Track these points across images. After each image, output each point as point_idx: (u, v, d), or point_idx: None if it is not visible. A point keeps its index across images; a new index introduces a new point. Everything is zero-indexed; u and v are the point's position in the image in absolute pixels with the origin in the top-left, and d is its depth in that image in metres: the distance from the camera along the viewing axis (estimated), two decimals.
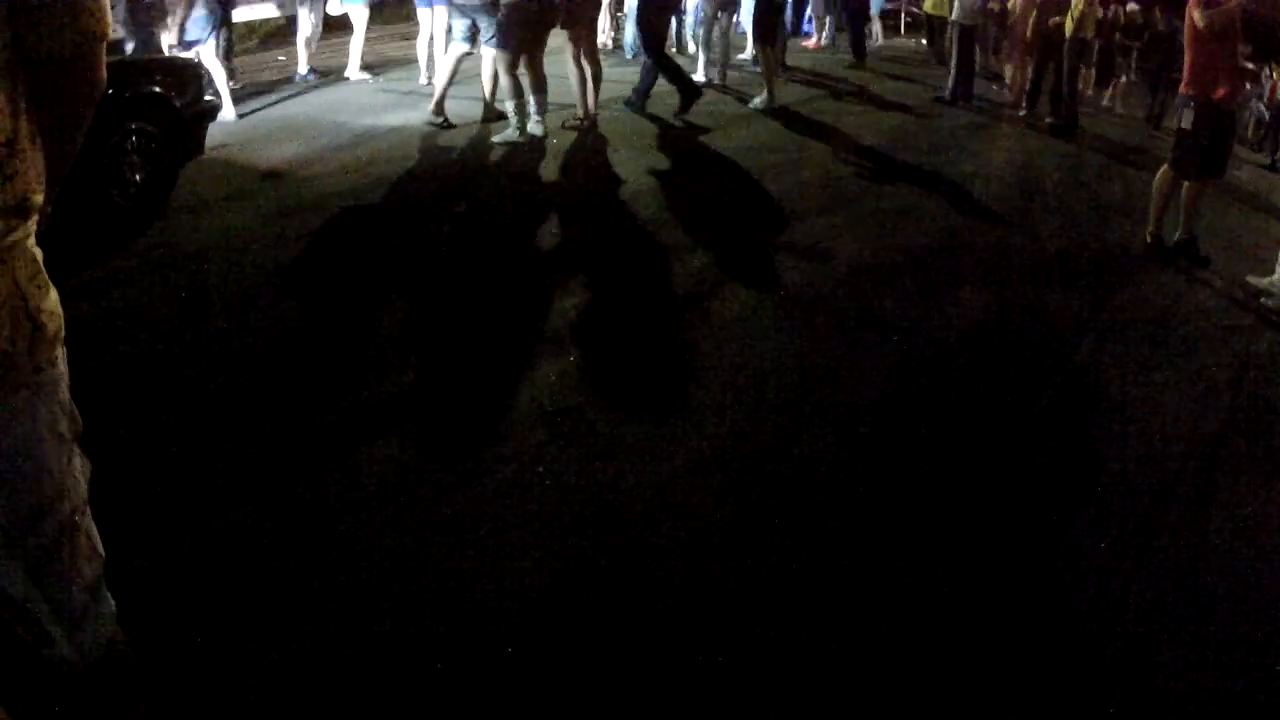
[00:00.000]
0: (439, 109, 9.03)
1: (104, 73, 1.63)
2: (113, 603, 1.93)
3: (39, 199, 1.61)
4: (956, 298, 5.78)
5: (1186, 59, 6.71)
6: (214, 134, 7.07)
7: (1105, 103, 13.95)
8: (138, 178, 5.91)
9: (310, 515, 3.28)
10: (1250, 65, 7.93)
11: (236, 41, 10.52)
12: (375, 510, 3.32)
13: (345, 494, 3.39)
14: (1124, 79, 14.38)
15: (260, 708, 2.52)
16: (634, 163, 8.13)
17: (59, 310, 1.66)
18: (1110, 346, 5.28)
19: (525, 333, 4.82)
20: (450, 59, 8.99)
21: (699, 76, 11.56)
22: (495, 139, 8.58)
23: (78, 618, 1.80)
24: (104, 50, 1.61)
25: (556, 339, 4.72)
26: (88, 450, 1.84)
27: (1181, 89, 6.83)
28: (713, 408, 4.17)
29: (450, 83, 8.98)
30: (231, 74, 9.72)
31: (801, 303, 5.41)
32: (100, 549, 1.88)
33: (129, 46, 8.03)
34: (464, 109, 9.21)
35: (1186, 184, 6.84)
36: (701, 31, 12.36)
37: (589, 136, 8.94)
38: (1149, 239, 7.02)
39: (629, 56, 13.30)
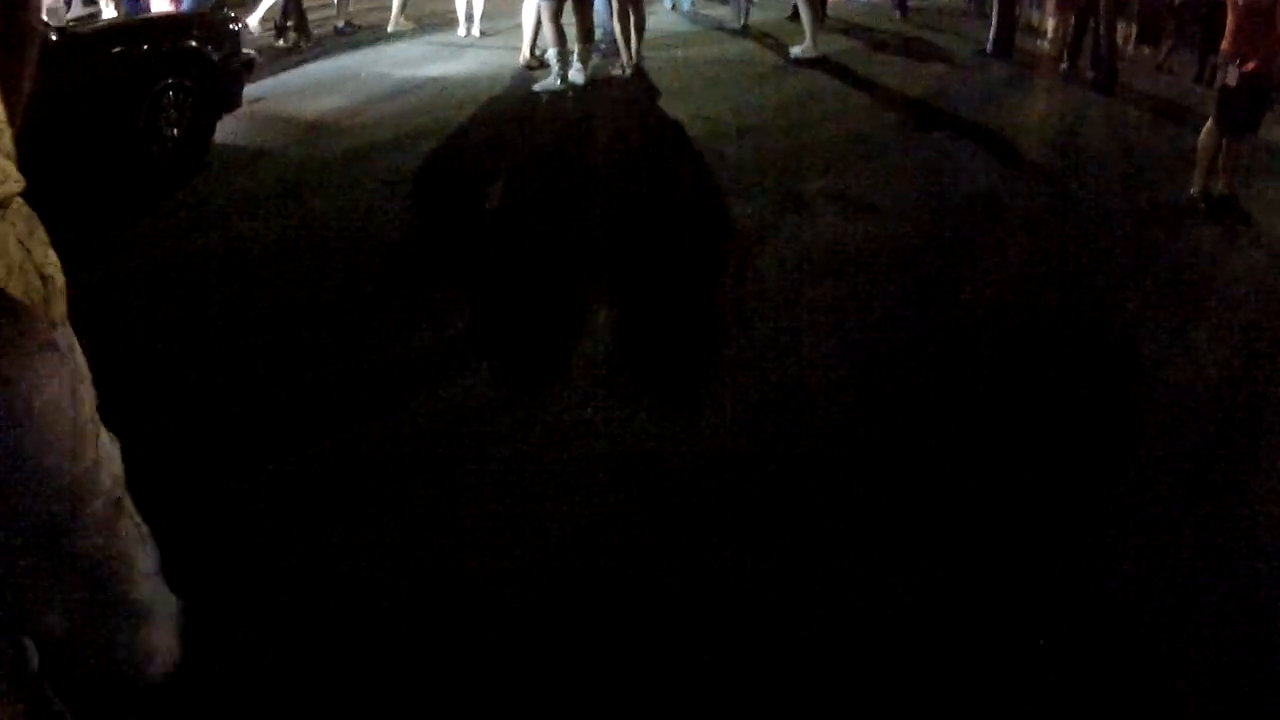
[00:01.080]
0: (533, 55, 9.15)
1: (37, 14, 1.65)
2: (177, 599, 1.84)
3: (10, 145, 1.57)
4: (997, 253, 5.72)
5: (1229, 23, 6.63)
6: (251, 88, 7.12)
7: (1158, 60, 13.69)
8: (175, 132, 5.98)
9: (357, 462, 3.37)
10: None
11: None
12: (422, 457, 3.42)
13: (391, 442, 3.49)
14: (1171, 43, 14.09)
15: (311, 644, 2.61)
16: (675, 112, 8.10)
17: (60, 266, 1.65)
18: (1152, 303, 5.22)
19: (569, 283, 4.88)
20: (530, 8, 9.03)
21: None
22: (536, 88, 8.56)
23: (144, 613, 1.71)
24: None
25: (600, 290, 4.76)
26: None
27: (1223, 48, 6.75)
28: (754, 363, 4.19)
29: (536, 30, 8.98)
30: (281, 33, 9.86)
31: (843, 257, 5.38)
32: (148, 532, 1.79)
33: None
34: (502, 58, 9.20)
35: (1228, 140, 6.76)
36: None
37: (631, 86, 8.92)
38: (1193, 195, 6.93)
39: (668, 6, 13.22)
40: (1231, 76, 6.61)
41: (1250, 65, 6.50)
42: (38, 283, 1.51)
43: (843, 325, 4.63)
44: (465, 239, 5.34)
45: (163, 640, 1.73)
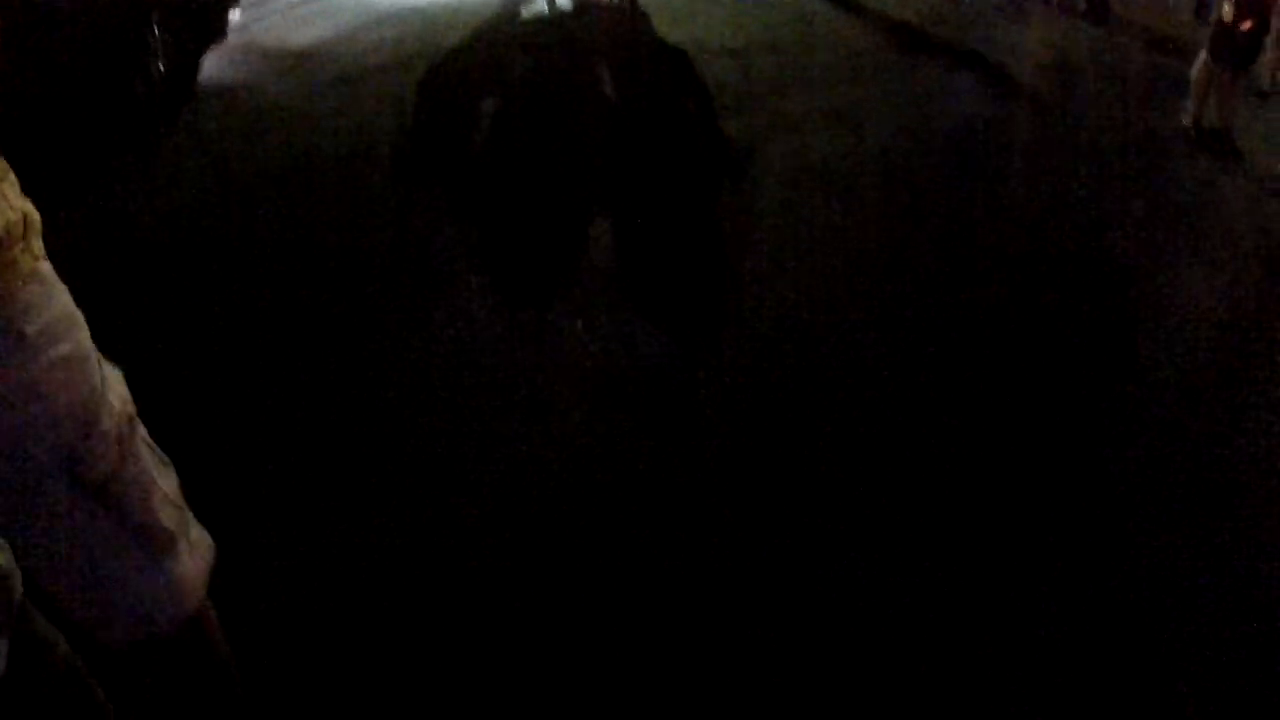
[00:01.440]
0: None
1: None
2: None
3: None
4: (989, 177, 5.73)
5: None
6: (237, 18, 7.04)
7: None
8: (161, 65, 5.92)
9: (352, 380, 3.46)
10: None
11: None
12: (418, 373, 3.51)
13: (386, 359, 3.57)
14: None
15: (329, 549, 2.72)
16: (666, 33, 8.04)
17: (34, 208, 1.57)
18: (1142, 234, 5.24)
19: (563, 200, 4.91)
20: None
21: None
22: (524, 12, 8.50)
23: (168, 541, 1.65)
24: None
25: (593, 206, 4.78)
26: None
27: None
28: (748, 278, 4.27)
29: None
30: None
31: (837, 178, 5.41)
32: (167, 459, 1.73)
33: None
34: None
35: (1222, 73, 6.73)
36: None
37: (620, 8, 8.81)
38: (1185, 127, 6.92)
39: None
40: (1227, 12, 6.59)
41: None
42: (18, 217, 1.50)
43: (836, 240, 4.68)
44: (459, 159, 5.34)
45: (190, 571, 1.66)
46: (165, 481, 1.66)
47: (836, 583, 2.72)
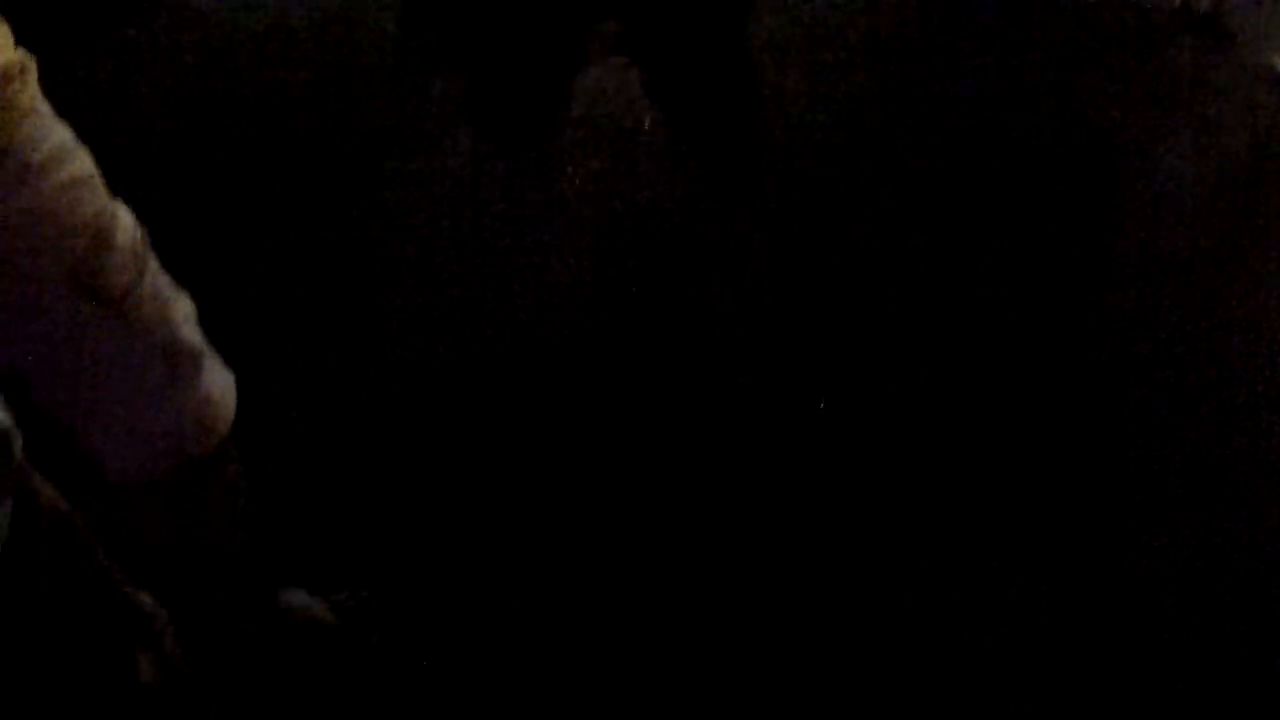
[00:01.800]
0: None
1: None
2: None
3: None
4: (977, 54, 5.64)
5: None
6: None
7: None
8: None
9: (343, 231, 3.46)
10: None
11: None
12: (432, 210, 3.53)
13: (380, 211, 3.56)
14: None
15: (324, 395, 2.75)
16: None
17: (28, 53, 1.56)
18: (1128, 116, 5.19)
19: (549, 44, 4.81)
20: None
21: None
22: None
23: (190, 357, 1.59)
24: None
25: (579, 49, 4.72)
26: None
27: None
28: (742, 121, 4.29)
29: None
30: None
31: (825, 31, 5.30)
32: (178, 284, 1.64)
33: None
34: None
35: None
36: None
37: None
38: (1176, 8, 6.82)
39: None
40: None
41: None
42: (15, 58, 1.46)
43: (832, 99, 4.56)
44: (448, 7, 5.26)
45: (218, 389, 1.60)
46: (183, 303, 1.60)
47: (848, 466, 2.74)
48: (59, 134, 1.55)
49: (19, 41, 1.52)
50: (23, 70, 1.48)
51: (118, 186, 1.81)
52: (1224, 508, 2.83)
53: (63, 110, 1.59)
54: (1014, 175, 4.33)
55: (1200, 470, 2.90)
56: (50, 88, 1.55)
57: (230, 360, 1.64)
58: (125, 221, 1.56)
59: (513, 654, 2.43)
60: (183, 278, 1.59)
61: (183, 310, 1.63)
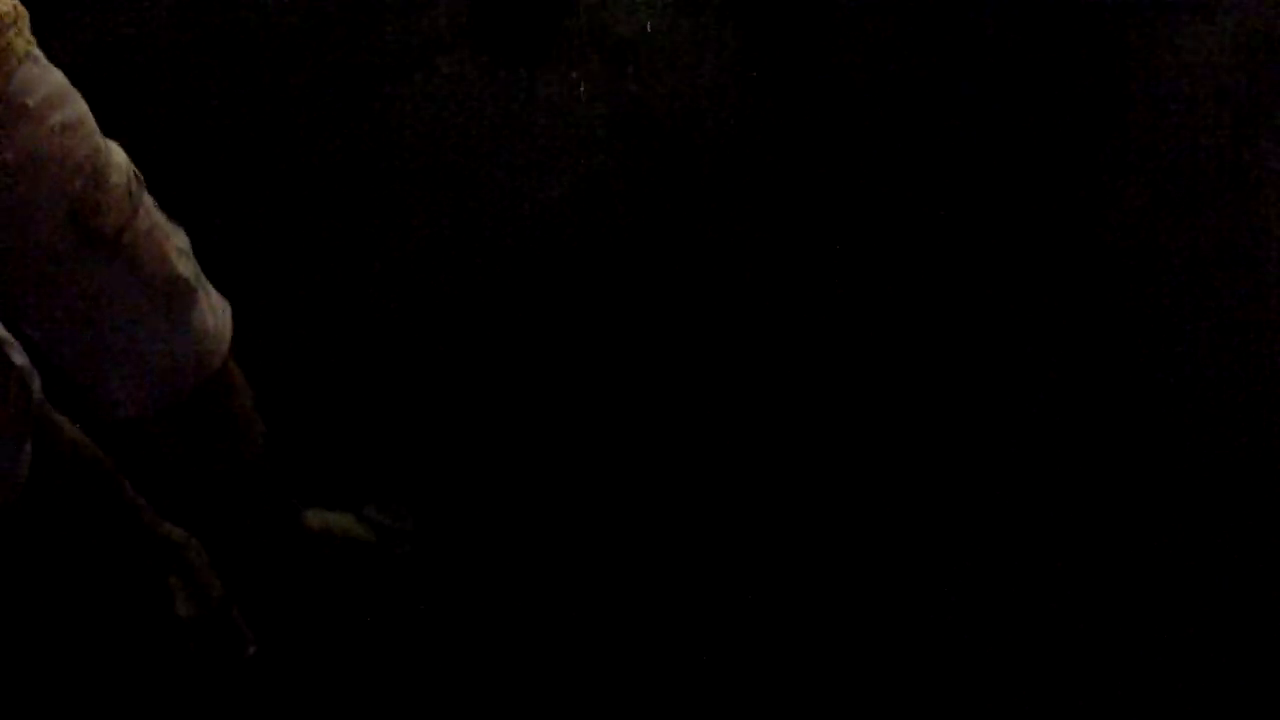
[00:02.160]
0: None
1: None
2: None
3: None
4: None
5: None
6: None
7: None
8: None
9: (368, 131, 3.47)
10: None
11: None
12: (432, 124, 3.50)
13: (380, 123, 3.53)
14: None
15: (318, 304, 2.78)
16: None
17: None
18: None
19: None
20: None
21: None
22: None
23: (188, 291, 1.60)
24: None
25: None
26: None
27: None
28: (749, 28, 4.12)
29: None
30: None
31: None
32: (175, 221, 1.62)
33: None
34: None
35: None
36: None
37: None
38: None
39: None
40: None
41: None
42: (8, 7, 1.45)
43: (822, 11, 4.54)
44: None
45: (211, 323, 1.63)
46: (178, 237, 1.62)
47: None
48: (53, 78, 1.58)
49: None
50: (16, 18, 1.47)
51: (114, 123, 1.80)
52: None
53: (54, 58, 1.59)
54: (1015, 64, 4.24)
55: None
56: (41, 37, 1.55)
57: (237, 285, 1.64)
58: (119, 160, 1.57)
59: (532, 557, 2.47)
60: (182, 206, 1.59)
61: (177, 244, 1.63)
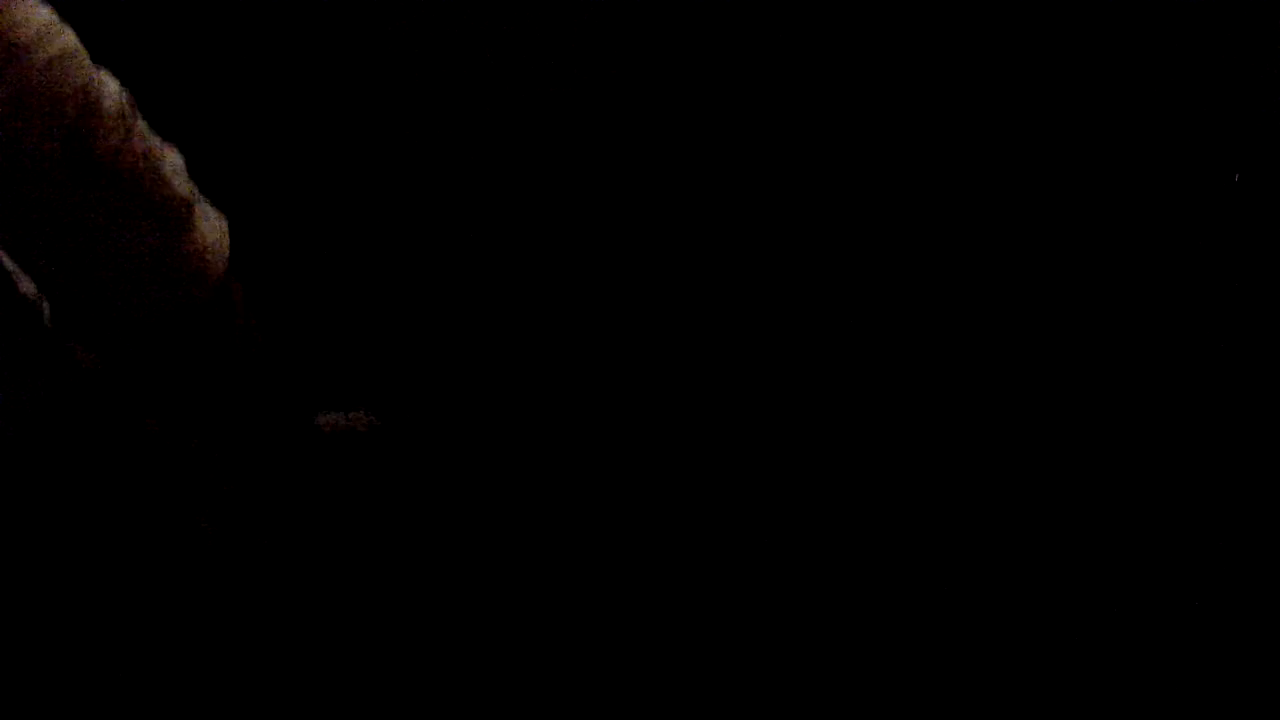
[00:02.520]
0: None
1: None
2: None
3: None
4: None
5: None
6: None
7: None
8: None
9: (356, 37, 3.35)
10: None
11: None
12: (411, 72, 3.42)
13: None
14: None
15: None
16: None
17: None
18: None
19: None
20: None
21: None
22: None
23: (184, 211, 1.64)
24: None
25: None
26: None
27: None
28: None
29: None
30: None
31: None
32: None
33: None
34: None
35: None
36: None
37: None
38: None
39: None
40: None
41: None
42: None
43: None
44: None
45: (209, 237, 1.67)
46: (173, 156, 1.66)
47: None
48: (41, 13, 1.57)
49: None
50: None
51: (104, 51, 1.83)
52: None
53: None
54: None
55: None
56: None
57: (236, 199, 1.69)
58: (111, 88, 1.60)
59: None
60: (175, 125, 1.63)
61: (170, 163, 1.67)
